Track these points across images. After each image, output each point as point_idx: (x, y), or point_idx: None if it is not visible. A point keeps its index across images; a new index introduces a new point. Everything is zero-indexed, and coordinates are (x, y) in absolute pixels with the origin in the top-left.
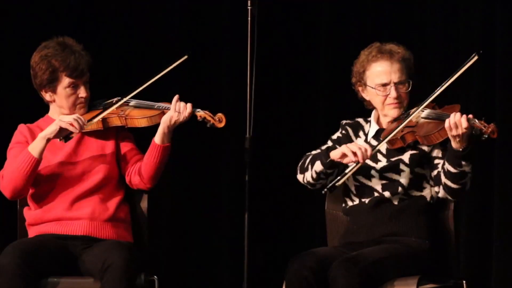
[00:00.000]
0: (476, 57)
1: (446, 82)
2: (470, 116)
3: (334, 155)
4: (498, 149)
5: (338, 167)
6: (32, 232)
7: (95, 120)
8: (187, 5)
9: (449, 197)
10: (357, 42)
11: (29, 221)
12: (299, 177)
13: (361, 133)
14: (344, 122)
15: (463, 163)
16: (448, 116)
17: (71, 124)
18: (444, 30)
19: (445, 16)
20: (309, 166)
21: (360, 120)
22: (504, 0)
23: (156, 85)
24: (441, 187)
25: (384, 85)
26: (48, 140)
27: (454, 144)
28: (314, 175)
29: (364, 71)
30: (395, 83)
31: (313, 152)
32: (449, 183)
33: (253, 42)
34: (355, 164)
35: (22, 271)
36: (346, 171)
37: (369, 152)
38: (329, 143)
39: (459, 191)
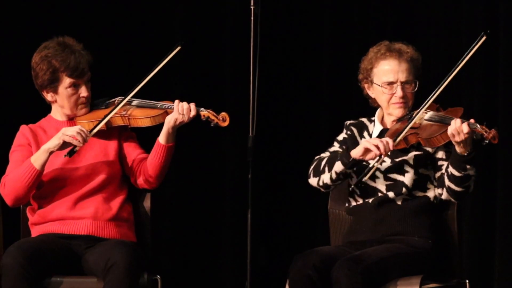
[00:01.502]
0: (484, 37)
1: (457, 67)
2: (472, 121)
3: (356, 152)
4: (501, 149)
5: (357, 166)
6: (35, 231)
7: (97, 129)
8: (190, 4)
9: (452, 199)
10: (360, 41)
11: (32, 220)
12: (312, 180)
13: (365, 134)
14: (348, 122)
15: (468, 166)
16: (451, 120)
17: (74, 138)
18: (446, 30)
19: (448, 15)
20: (326, 168)
21: (364, 120)
22: None
23: (159, 84)
24: (444, 189)
25: (391, 83)
26: (51, 153)
27: (459, 149)
28: (334, 176)
29: (372, 68)
30: (401, 82)
31: (323, 154)
32: (452, 186)
33: (256, 41)
34: (378, 158)
35: (25, 270)
36: (371, 165)
37: (390, 144)
38: (336, 145)
39: (463, 193)
